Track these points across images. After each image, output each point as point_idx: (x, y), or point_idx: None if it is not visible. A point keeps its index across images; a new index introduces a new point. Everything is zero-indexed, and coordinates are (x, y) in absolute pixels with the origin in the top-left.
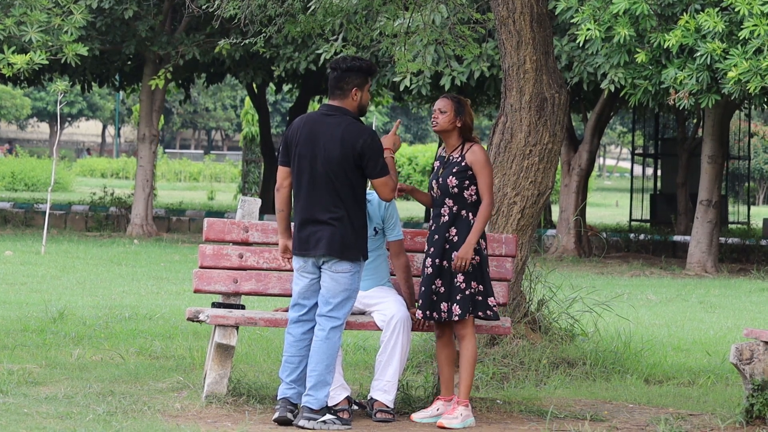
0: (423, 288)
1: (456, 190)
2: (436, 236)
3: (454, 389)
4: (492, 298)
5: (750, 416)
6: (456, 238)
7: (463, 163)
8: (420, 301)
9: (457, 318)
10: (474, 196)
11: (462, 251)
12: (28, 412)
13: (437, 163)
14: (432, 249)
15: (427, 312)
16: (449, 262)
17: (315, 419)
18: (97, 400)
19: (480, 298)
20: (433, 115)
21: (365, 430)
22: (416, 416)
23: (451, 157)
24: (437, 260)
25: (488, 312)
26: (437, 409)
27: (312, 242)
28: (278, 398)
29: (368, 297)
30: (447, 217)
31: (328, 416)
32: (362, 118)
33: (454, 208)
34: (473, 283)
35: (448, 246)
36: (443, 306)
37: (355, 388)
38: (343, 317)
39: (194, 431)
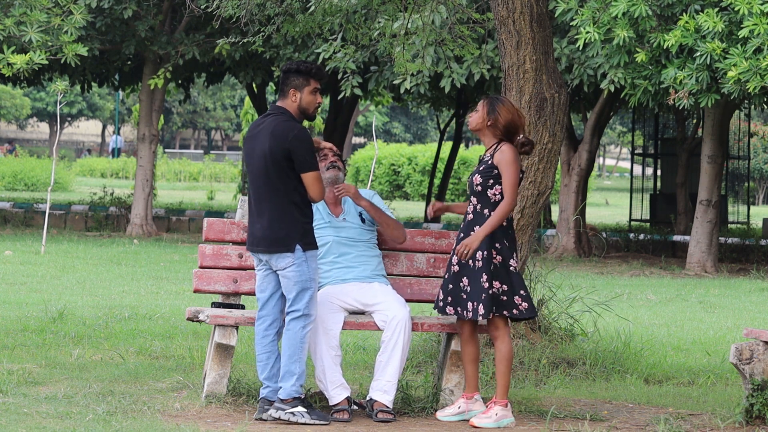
0: (450, 286)
1: (480, 188)
2: (461, 234)
3: (478, 387)
4: (518, 296)
5: (750, 416)
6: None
7: (490, 162)
8: (448, 298)
9: (481, 317)
10: (498, 196)
11: (469, 239)
12: (28, 412)
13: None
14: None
15: (458, 309)
16: (474, 260)
17: (283, 409)
18: (97, 400)
19: (505, 297)
20: (468, 114)
21: (365, 429)
22: (440, 414)
23: (484, 156)
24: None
25: (514, 311)
26: (458, 407)
27: (253, 239)
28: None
29: (367, 297)
30: (471, 216)
31: (299, 408)
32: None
33: (478, 207)
34: (496, 283)
35: None
36: (470, 305)
37: (354, 388)
38: (303, 308)
39: (194, 431)
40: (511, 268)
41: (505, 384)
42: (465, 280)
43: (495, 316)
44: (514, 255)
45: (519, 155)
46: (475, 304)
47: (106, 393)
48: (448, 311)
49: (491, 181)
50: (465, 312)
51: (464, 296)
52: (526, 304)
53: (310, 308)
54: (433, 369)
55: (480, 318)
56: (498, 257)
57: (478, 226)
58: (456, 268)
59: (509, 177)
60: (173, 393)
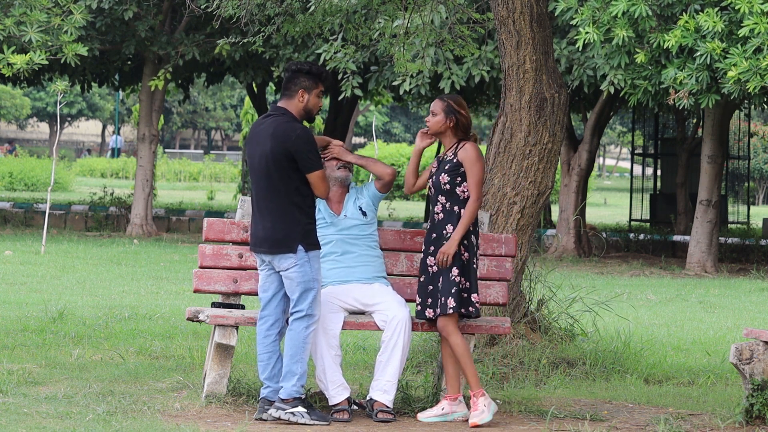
0: (430, 287)
1: (448, 186)
2: (434, 234)
3: (461, 388)
4: (476, 294)
5: (750, 416)
6: (451, 234)
7: (455, 160)
8: (428, 300)
9: (451, 311)
10: (467, 193)
11: (446, 246)
12: (28, 412)
13: (435, 163)
14: (432, 248)
15: (436, 310)
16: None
17: (284, 409)
18: (97, 400)
19: (465, 294)
20: (426, 118)
21: (365, 429)
22: (422, 415)
23: (445, 156)
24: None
25: (470, 309)
26: (442, 408)
27: (256, 239)
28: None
29: (367, 297)
30: (441, 215)
31: (299, 408)
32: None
33: (447, 205)
34: (462, 279)
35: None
36: (442, 300)
37: (354, 388)
38: (306, 309)
39: (194, 431)
40: (473, 266)
41: (473, 374)
42: (441, 278)
43: (451, 314)
44: (477, 253)
45: (481, 153)
46: (444, 299)
47: (106, 393)
48: (427, 314)
49: (459, 178)
50: (435, 310)
51: (439, 294)
52: (479, 304)
53: (313, 308)
54: (433, 369)
55: (450, 311)
56: (465, 254)
57: (450, 225)
58: (434, 268)
59: (475, 175)
60: (173, 393)
